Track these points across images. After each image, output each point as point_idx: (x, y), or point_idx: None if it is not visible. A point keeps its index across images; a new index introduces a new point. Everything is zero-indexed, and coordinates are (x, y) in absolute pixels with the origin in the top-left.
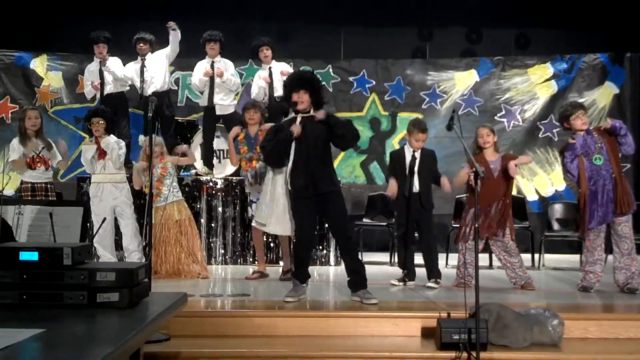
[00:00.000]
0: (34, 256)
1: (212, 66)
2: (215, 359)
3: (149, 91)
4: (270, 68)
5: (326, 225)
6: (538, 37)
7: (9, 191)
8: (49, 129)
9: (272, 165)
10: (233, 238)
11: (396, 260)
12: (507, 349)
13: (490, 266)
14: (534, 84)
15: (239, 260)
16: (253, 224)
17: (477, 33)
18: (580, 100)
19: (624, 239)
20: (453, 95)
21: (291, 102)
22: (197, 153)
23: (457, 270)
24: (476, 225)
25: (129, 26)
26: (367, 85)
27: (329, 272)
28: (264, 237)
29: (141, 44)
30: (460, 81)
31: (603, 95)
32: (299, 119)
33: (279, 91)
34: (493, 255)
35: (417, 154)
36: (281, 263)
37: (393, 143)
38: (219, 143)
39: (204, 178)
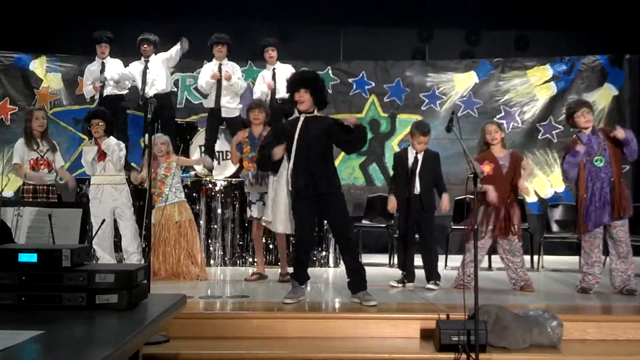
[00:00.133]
0: (33, 258)
1: (219, 69)
2: None
3: (150, 92)
4: (274, 69)
5: (325, 226)
6: (537, 39)
7: (9, 193)
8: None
9: (263, 171)
10: (232, 239)
11: (395, 261)
12: (506, 351)
13: (490, 268)
14: (533, 86)
15: (238, 262)
16: (262, 222)
17: (477, 35)
18: None
19: (619, 243)
20: (452, 96)
21: (293, 102)
22: (196, 154)
23: (459, 271)
24: (475, 227)
25: (129, 26)
26: (366, 87)
27: (328, 273)
28: (264, 238)
29: (145, 45)
30: (460, 83)
31: (602, 96)
32: (301, 120)
33: (280, 93)
34: (492, 256)
35: (420, 156)
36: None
37: (392, 144)
38: (220, 144)
39: (203, 179)
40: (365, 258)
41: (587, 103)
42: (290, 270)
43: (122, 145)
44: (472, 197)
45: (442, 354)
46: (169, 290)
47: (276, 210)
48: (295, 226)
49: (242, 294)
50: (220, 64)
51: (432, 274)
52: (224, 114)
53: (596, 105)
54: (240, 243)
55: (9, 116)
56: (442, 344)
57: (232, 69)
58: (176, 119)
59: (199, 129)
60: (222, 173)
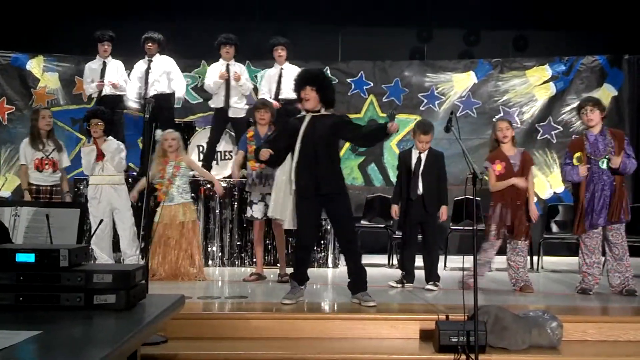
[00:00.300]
0: (30, 258)
1: (227, 69)
2: None
3: (150, 92)
4: (281, 69)
5: (324, 227)
6: (536, 39)
7: (6, 192)
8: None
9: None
10: (231, 240)
11: (394, 262)
12: (505, 352)
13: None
14: (532, 86)
15: (236, 263)
16: (270, 216)
17: (475, 35)
18: None
19: (614, 245)
20: (451, 97)
21: (299, 99)
22: (195, 154)
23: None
24: (475, 227)
25: (129, 26)
26: (365, 87)
27: (327, 274)
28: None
29: (149, 44)
30: (459, 83)
31: (601, 97)
32: (307, 118)
33: (284, 93)
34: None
35: (423, 156)
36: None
37: (391, 145)
38: (224, 144)
39: (201, 180)
40: (364, 258)
41: (592, 99)
42: (289, 271)
43: (123, 146)
44: (478, 198)
45: (442, 354)
46: (167, 291)
47: (280, 203)
48: (297, 226)
49: (241, 294)
50: (228, 64)
51: (432, 275)
52: (231, 114)
53: None
54: (239, 243)
55: (6, 116)
56: (441, 345)
57: (240, 69)
58: (175, 119)
59: (196, 129)
60: (221, 173)
